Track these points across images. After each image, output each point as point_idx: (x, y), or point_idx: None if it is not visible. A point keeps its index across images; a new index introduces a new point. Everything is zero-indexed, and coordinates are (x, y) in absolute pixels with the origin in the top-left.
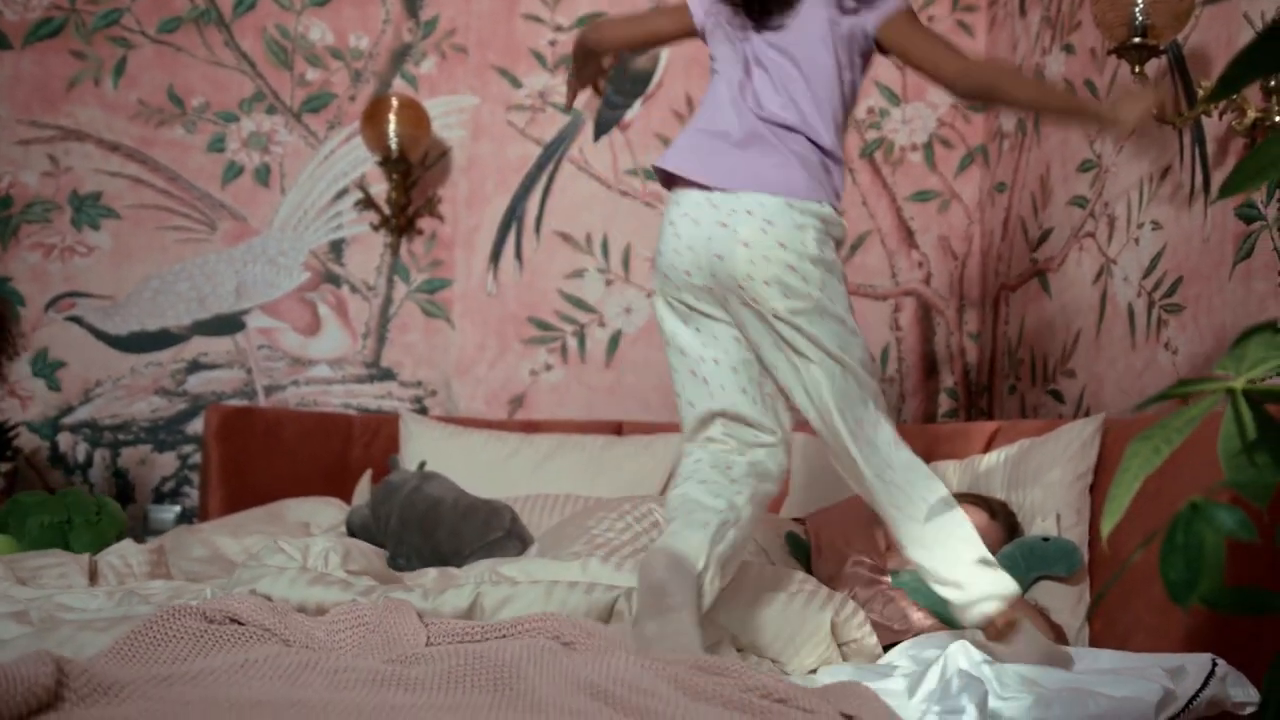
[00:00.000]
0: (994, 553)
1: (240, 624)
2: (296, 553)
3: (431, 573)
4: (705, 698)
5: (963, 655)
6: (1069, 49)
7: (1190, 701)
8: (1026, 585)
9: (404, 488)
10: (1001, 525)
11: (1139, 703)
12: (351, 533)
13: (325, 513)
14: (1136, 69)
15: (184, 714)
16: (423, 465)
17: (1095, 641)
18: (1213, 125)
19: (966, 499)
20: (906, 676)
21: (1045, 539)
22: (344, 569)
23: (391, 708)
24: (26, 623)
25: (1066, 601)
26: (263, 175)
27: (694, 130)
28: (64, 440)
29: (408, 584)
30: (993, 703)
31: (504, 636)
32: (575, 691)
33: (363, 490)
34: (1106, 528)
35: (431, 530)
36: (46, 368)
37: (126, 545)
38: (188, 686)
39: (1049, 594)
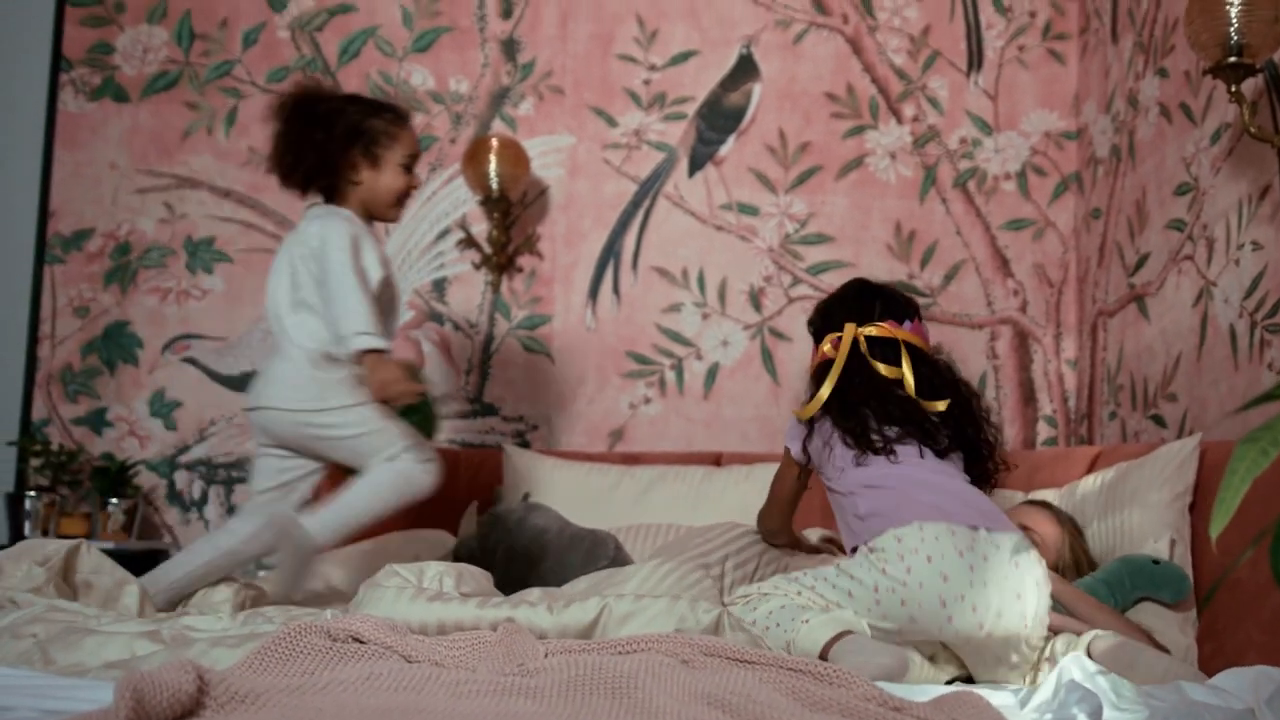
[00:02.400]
0: (1059, 554)
1: (362, 642)
2: (412, 576)
3: (536, 591)
4: (823, 707)
5: (1076, 667)
6: (1163, 73)
7: None
8: (1129, 604)
9: (510, 518)
10: (1066, 527)
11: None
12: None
13: (432, 544)
14: (1233, 88)
15: None
16: (527, 496)
17: (1204, 663)
18: None
19: (1033, 504)
20: (1017, 691)
21: (1156, 561)
22: (461, 589)
23: (513, 715)
24: (159, 641)
25: (1172, 622)
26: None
27: None
28: (180, 478)
29: (530, 600)
30: (1108, 713)
31: (622, 652)
32: (693, 701)
33: (469, 521)
34: (1216, 529)
35: (538, 559)
36: (164, 408)
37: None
38: (318, 696)
39: (1153, 615)
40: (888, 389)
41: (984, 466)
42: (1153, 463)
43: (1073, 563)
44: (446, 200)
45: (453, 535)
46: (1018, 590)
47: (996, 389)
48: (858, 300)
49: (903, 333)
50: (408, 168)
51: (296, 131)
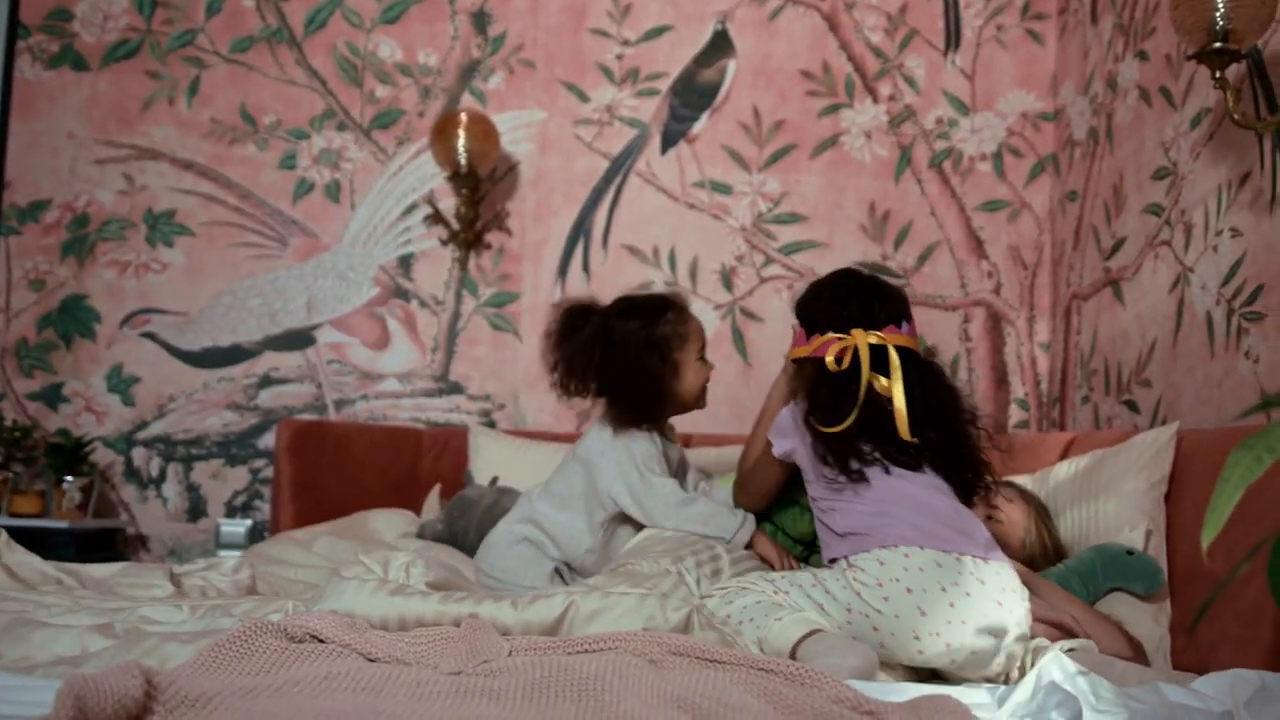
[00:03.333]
0: (1025, 538)
1: (321, 640)
2: (377, 566)
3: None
4: (795, 710)
5: (1056, 667)
6: (1143, 56)
7: None
8: (1101, 594)
9: (481, 502)
10: (1033, 508)
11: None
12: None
13: (397, 524)
14: (1216, 74)
15: None
16: (495, 480)
17: (1177, 657)
18: None
19: (1000, 485)
20: (994, 690)
21: (1130, 551)
22: (428, 578)
23: (475, 718)
24: (112, 635)
25: (1145, 613)
26: (333, 191)
27: None
28: (138, 455)
29: (497, 594)
30: (1087, 715)
31: (587, 651)
32: (661, 704)
33: (432, 504)
34: (1207, 539)
35: None
36: (121, 383)
37: (210, 572)
38: (272, 698)
39: (1125, 605)
40: (882, 407)
41: (971, 483)
42: (1128, 451)
43: (1039, 547)
44: (414, 175)
45: (417, 515)
46: (996, 628)
47: (969, 371)
48: (859, 299)
49: (901, 338)
50: (703, 358)
51: (585, 355)
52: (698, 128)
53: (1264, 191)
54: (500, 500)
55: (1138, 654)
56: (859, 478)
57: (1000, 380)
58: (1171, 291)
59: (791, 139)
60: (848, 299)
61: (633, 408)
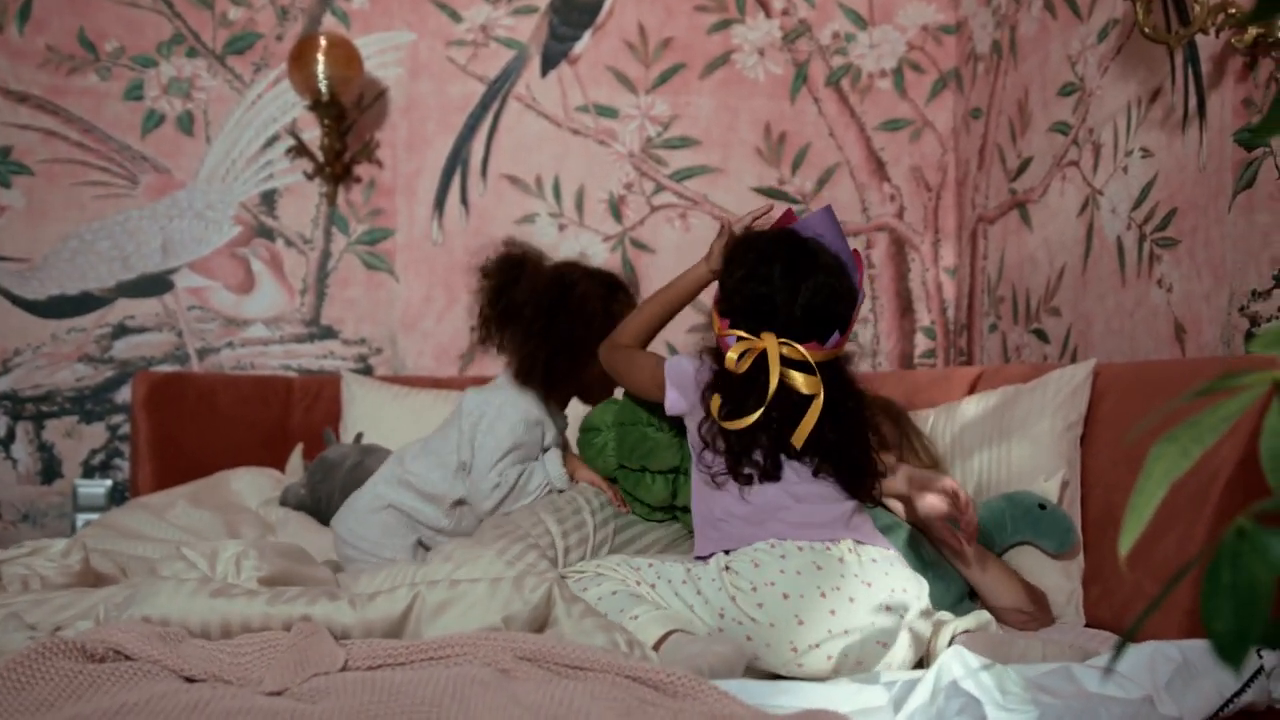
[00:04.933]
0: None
1: (129, 657)
2: (202, 560)
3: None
4: None
5: (957, 663)
6: None
7: (1226, 705)
8: (1008, 547)
9: (343, 464)
10: (904, 426)
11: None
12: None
13: (262, 486)
14: None
15: None
16: (359, 437)
17: (1090, 610)
18: (1207, 44)
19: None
20: (890, 686)
21: (1043, 505)
22: (259, 575)
23: None
24: None
25: (1054, 565)
26: (185, 124)
27: None
28: None
29: (334, 591)
30: (993, 716)
31: (431, 659)
32: None
33: (295, 466)
34: (1126, 543)
35: None
36: None
37: (35, 558)
38: None
39: (1034, 556)
40: (790, 401)
41: (864, 486)
42: (1043, 389)
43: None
44: (274, 104)
45: (284, 473)
46: (883, 638)
47: (873, 300)
48: (785, 289)
49: (825, 353)
50: None
51: (537, 304)
52: (580, 47)
53: (1175, 109)
54: (365, 460)
55: (1040, 608)
56: (746, 481)
57: (905, 308)
58: (1080, 215)
59: (680, 58)
60: (770, 281)
61: (548, 370)
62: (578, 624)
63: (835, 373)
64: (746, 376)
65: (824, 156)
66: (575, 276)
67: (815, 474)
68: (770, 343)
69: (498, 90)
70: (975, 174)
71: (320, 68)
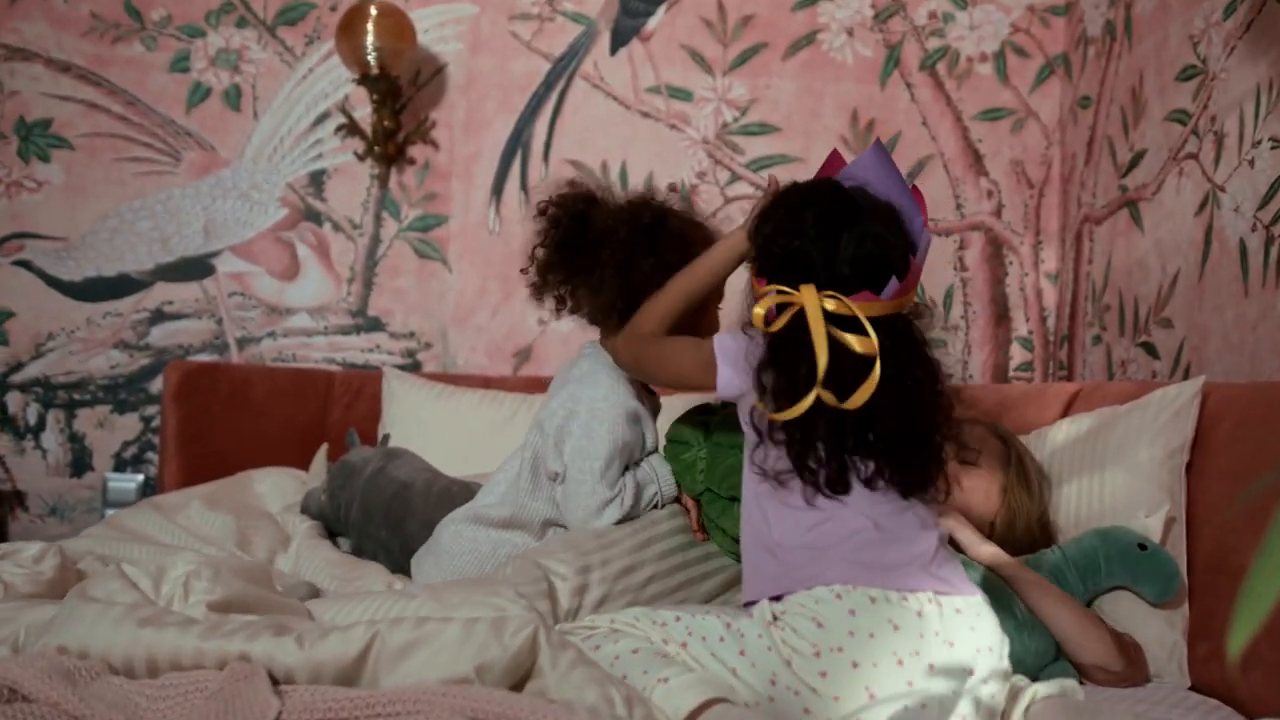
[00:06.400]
0: (991, 510)
1: (27, 700)
2: (145, 578)
3: (332, 606)
4: None
5: None
6: None
7: None
8: (1100, 593)
9: (364, 470)
10: (1011, 471)
11: None
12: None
13: (287, 489)
14: None
15: None
16: (386, 439)
17: (1196, 671)
18: None
19: (975, 428)
20: None
21: (1143, 545)
22: (209, 599)
23: None
24: None
25: (1157, 613)
26: (233, 98)
27: None
28: (13, 401)
29: (284, 624)
30: None
31: (378, 718)
32: None
33: (319, 468)
34: (1236, 643)
35: (399, 521)
36: None
37: (3, 563)
38: None
39: (1132, 601)
40: (846, 385)
41: (924, 480)
42: (1143, 410)
43: (1017, 530)
44: (326, 79)
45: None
46: (953, 669)
47: (965, 306)
48: (824, 235)
49: (879, 306)
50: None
51: (636, 253)
52: (653, 24)
53: None
54: (387, 466)
55: (1132, 664)
56: (814, 483)
57: (1000, 316)
58: (1198, 214)
59: (761, 37)
60: (802, 233)
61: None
62: (565, 676)
63: (898, 334)
64: (794, 348)
65: (916, 147)
66: (662, 205)
67: (874, 478)
68: (809, 296)
69: (563, 68)
70: (1082, 169)
71: (369, 38)
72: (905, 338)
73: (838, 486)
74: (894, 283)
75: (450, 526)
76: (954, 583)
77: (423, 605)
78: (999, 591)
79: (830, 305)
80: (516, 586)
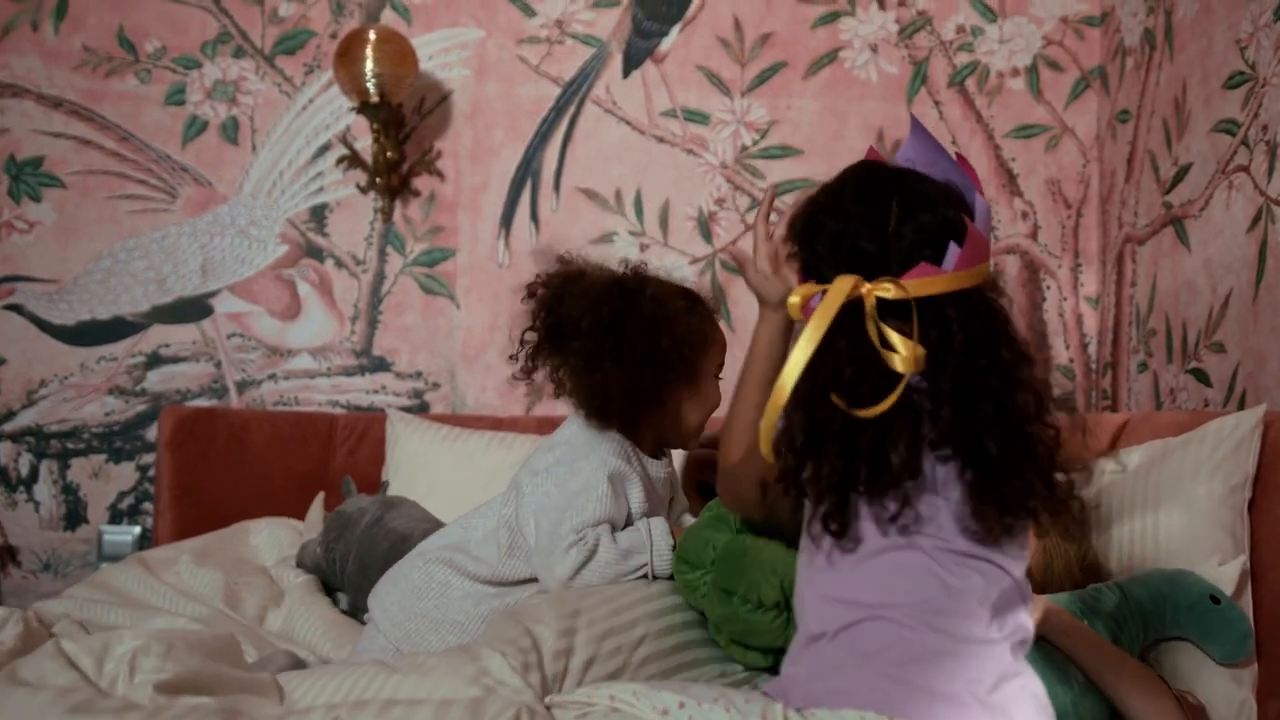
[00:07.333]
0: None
1: None
2: (87, 656)
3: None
4: None
5: None
6: None
7: None
8: (1159, 640)
9: (361, 521)
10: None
11: None
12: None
13: (283, 540)
14: None
15: None
16: (384, 487)
17: None
18: None
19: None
20: None
21: (1215, 599)
22: (158, 678)
23: None
24: None
25: (1219, 670)
26: (230, 131)
27: None
28: (4, 451)
29: (241, 708)
30: None
31: None
32: None
33: (314, 519)
34: None
35: None
36: None
37: None
38: None
39: (1191, 653)
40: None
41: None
42: (1198, 443)
43: (1055, 566)
44: (326, 110)
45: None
46: None
47: None
48: (870, 216)
49: (942, 281)
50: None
51: (608, 337)
52: (667, 44)
53: None
54: (384, 517)
55: None
56: (834, 535)
57: (1039, 344)
58: (1250, 231)
59: (781, 55)
60: (841, 210)
61: (630, 399)
62: None
63: (973, 313)
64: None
65: None
66: (639, 280)
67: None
68: (841, 285)
69: (574, 93)
70: (1123, 187)
71: (369, 65)
72: (986, 312)
73: (843, 534)
74: (954, 250)
75: (420, 564)
76: (1016, 701)
77: (402, 682)
78: (1051, 654)
79: (888, 291)
80: (503, 654)
